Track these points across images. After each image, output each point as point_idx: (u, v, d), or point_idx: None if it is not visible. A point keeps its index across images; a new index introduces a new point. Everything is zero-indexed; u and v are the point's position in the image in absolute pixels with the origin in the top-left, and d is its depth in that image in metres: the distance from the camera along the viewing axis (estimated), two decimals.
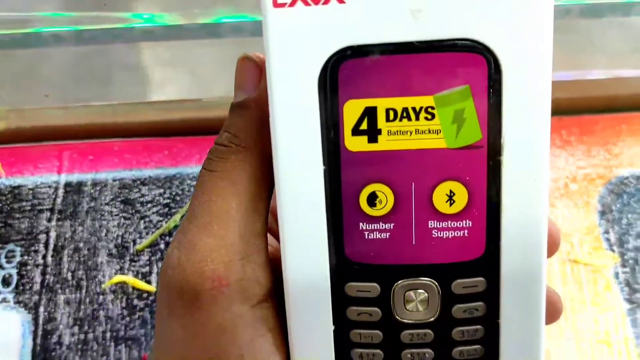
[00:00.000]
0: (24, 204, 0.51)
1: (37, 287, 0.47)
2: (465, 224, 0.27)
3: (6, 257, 0.49)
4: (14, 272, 0.48)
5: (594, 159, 0.53)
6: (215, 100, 0.55)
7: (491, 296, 0.27)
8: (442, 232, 0.27)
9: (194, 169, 0.53)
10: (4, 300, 0.47)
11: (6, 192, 0.52)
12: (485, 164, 0.26)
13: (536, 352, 0.28)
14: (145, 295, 0.47)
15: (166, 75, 0.58)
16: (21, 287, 0.48)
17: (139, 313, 0.46)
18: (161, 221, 0.50)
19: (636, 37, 0.59)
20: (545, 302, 0.28)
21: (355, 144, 0.26)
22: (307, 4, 0.25)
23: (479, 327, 0.28)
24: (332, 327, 0.28)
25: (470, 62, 0.25)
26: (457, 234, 0.27)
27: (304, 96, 0.26)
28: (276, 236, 0.32)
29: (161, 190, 0.52)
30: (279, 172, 0.26)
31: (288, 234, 0.27)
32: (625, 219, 0.50)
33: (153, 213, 0.51)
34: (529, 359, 0.28)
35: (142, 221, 0.50)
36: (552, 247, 0.31)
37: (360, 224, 0.27)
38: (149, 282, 0.47)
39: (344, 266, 0.27)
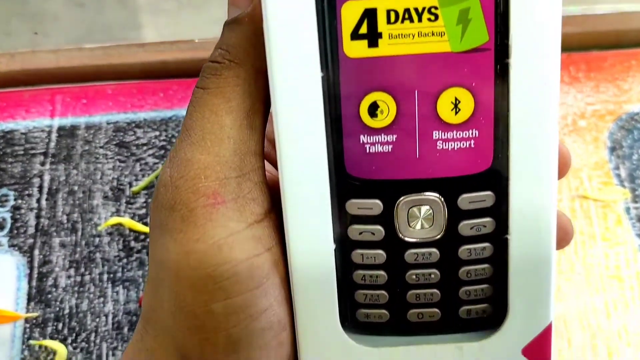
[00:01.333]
0: (16, 148, 0.50)
1: (31, 230, 0.46)
2: (472, 134, 0.25)
3: (0, 201, 0.48)
4: (7, 216, 0.47)
5: (603, 95, 0.52)
6: (210, 40, 0.53)
7: (499, 211, 0.26)
8: (447, 144, 0.25)
9: None
10: None
11: None
12: (493, 68, 0.24)
13: (546, 273, 0.27)
14: (142, 237, 0.46)
15: (158, 13, 0.56)
16: (15, 231, 0.46)
17: (136, 255, 0.45)
18: (157, 163, 0.49)
19: None
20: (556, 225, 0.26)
21: (355, 49, 0.24)
22: None
23: (486, 244, 0.27)
24: (333, 247, 0.26)
25: None
26: (463, 145, 0.25)
27: None
28: (274, 163, 0.31)
29: (157, 133, 0.50)
30: (274, 82, 0.25)
31: (285, 150, 0.25)
32: (636, 154, 0.49)
33: (149, 155, 0.49)
34: (538, 280, 0.27)
35: (137, 164, 0.49)
36: (563, 168, 0.29)
37: (361, 136, 0.25)
38: (145, 224, 0.46)
39: (345, 182, 0.26)
